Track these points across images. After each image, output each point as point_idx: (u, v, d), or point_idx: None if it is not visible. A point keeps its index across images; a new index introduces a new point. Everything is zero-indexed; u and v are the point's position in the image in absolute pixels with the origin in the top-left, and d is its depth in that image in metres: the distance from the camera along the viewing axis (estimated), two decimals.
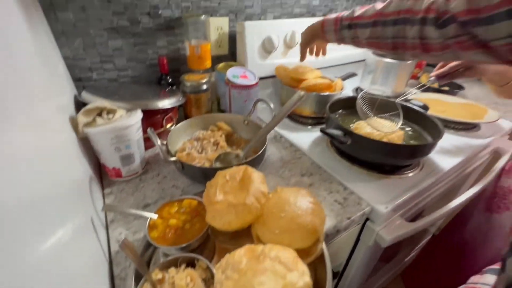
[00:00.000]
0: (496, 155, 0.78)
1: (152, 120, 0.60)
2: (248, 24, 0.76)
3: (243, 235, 0.40)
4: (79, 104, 0.57)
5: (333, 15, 0.57)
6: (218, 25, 0.78)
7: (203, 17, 0.69)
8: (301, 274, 0.28)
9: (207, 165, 0.53)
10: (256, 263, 0.29)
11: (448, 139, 0.70)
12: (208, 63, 0.75)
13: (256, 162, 0.53)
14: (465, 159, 0.66)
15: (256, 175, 0.41)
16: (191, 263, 0.35)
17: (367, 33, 0.50)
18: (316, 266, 0.39)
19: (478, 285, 0.42)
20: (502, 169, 0.71)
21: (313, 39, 0.64)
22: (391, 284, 1.22)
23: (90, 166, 0.49)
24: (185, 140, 0.61)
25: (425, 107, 0.68)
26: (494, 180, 0.71)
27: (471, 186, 0.67)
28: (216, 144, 0.59)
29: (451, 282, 0.80)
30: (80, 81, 0.67)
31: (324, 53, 0.71)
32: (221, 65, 0.77)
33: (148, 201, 0.49)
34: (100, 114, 0.48)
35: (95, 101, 0.49)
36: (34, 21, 0.45)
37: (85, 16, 0.61)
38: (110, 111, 0.49)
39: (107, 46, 0.66)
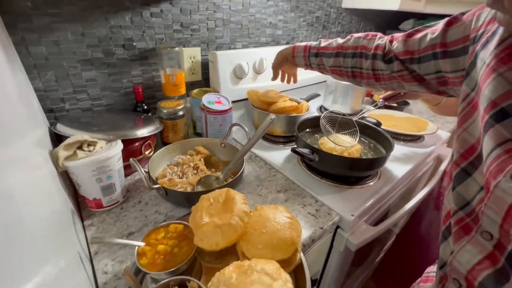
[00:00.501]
0: (439, 160, 0.92)
1: (131, 148, 0.62)
2: (220, 54, 0.82)
3: (228, 254, 0.44)
4: (53, 136, 0.57)
5: (302, 43, 0.65)
6: (191, 54, 0.83)
7: (177, 48, 0.73)
8: (285, 282, 0.32)
9: (189, 189, 0.55)
10: (245, 277, 0.32)
11: (399, 149, 0.82)
12: (183, 90, 0.79)
13: (235, 183, 0.57)
14: (415, 166, 0.77)
15: (238, 197, 0.45)
16: (182, 285, 0.37)
17: (331, 62, 0.59)
18: (296, 275, 0.43)
19: (431, 274, 0.50)
20: (444, 172, 0.83)
21: (283, 62, 0.70)
22: (364, 286, 1.30)
23: (70, 198, 0.49)
24: (165, 166, 0.63)
25: (378, 124, 0.79)
26: (438, 182, 0.83)
27: (421, 189, 0.78)
28: (196, 168, 0.62)
29: (414, 277, 0.89)
30: (51, 112, 0.66)
31: (295, 81, 0.78)
32: (195, 91, 0.82)
33: (132, 230, 0.50)
34: (80, 147, 0.49)
35: (74, 134, 0.50)
36: (10, 56, 0.46)
37: (58, 50, 0.61)
38: (91, 144, 0.50)
39: (80, 77, 0.67)
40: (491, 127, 0.29)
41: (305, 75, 1.09)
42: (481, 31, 0.35)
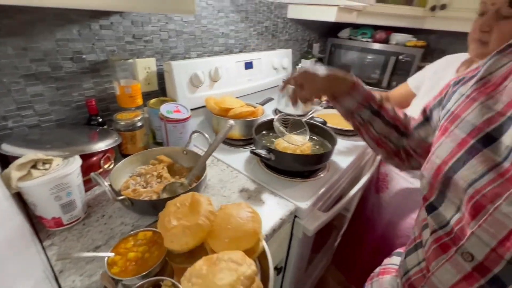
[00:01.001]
0: None
1: (89, 162, 0.61)
2: (175, 64, 0.84)
3: (197, 253, 0.47)
4: None
5: (365, 87, 0.56)
6: (146, 65, 0.84)
7: (130, 60, 0.74)
8: (249, 265, 0.37)
9: (154, 197, 0.57)
10: (214, 267, 0.37)
11: (344, 144, 0.93)
12: (139, 101, 0.79)
13: (199, 187, 0.60)
14: (357, 157, 0.89)
15: (203, 199, 0.49)
16: (157, 286, 0.40)
17: (381, 128, 0.53)
18: (261, 262, 0.49)
19: (388, 266, 0.55)
20: (380, 160, 0.98)
21: (330, 89, 0.55)
22: (327, 271, 1.43)
23: (26, 220, 0.47)
24: (127, 178, 0.63)
25: (324, 122, 0.89)
26: (376, 169, 0.97)
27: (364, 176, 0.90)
28: (160, 176, 0.64)
29: (368, 256, 1.02)
30: None
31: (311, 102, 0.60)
32: (153, 101, 0.82)
33: (99, 243, 0.50)
34: (34, 166, 0.48)
35: (25, 153, 0.48)
36: None
37: None
38: (46, 162, 0.49)
39: (24, 93, 0.63)
40: (478, 152, 0.30)
41: (258, 81, 1.17)
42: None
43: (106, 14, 0.70)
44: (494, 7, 0.57)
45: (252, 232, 0.45)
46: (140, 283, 0.39)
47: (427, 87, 0.83)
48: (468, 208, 0.31)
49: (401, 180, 0.84)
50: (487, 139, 0.30)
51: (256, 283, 0.38)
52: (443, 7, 1.28)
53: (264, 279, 0.44)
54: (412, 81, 0.92)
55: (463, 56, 0.76)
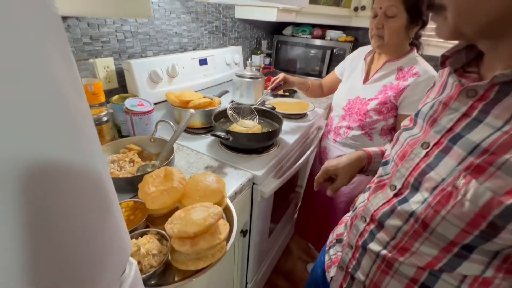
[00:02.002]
0: (319, 129, 1.27)
1: None
2: (134, 62, 0.91)
3: None
4: None
5: (374, 149, 0.65)
6: (105, 65, 0.89)
7: (90, 60, 0.79)
8: (216, 208, 0.50)
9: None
10: (190, 211, 0.49)
11: (290, 125, 1.11)
12: (102, 98, 0.85)
13: (169, 166, 0.71)
14: (301, 135, 1.07)
15: (175, 170, 0.60)
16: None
17: None
18: (227, 216, 0.62)
19: (345, 219, 0.65)
20: (322, 136, 1.18)
21: (355, 172, 0.63)
22: (292, 241, 1.62)
23: None
24: None
25: (273, 108, 1.05)
26: (318, 143, 1.17)
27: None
28: (132, 161, 0.72)
29: (319, 218, 1.22)
30: None
31: None
32: (115, 97, 0.89)
33: None
34: None
35: None
36: None
37: None
38: None
39: None
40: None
41: (213, 76, 1.28)
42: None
43: (63, 17, 0.75)
44: (382, 10, 0.78)
45: (217, 190, 0.58)
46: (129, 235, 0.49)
47: (347, 73, 1.04)
48: (398, 156, 0.45)
49: (336, 150, 1.04)
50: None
51: (222, 221, 0.51)
52: (363, 8, 1.54)
53: (229, 230, 0.57)
54: (337, 69, 1.13)
55: (369, 48, 0.98)
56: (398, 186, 0.43)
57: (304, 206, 1.35)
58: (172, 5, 1.07)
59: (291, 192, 1.36)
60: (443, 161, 0.36)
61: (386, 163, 0.50)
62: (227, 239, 0.51)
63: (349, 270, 0.53)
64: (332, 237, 0.67)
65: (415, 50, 0.85)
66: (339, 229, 0.66)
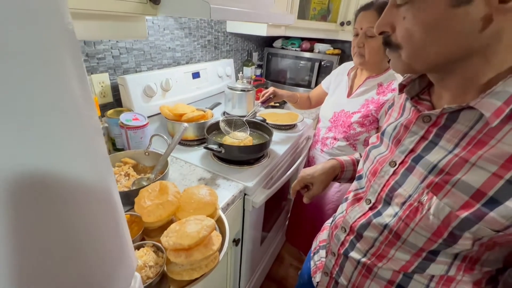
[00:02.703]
0: (308, 139, 1.32)
1: None
2: (128, 78, 0.94)
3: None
4: None
5: (345, 158, 0.70)
6: (100, 80, 0.92)
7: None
8: (209, 220, 0.53)
9: (126, 190, 0.68)
10: (184, 224, 0.52)
11: (281, 136, 1.16)
12: (97, 112, 0.87)
13: (163, 179, 0.74)
14: (291, 145, 1.12)
15: (169, 184, 0.63)
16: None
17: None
18: (220, 227, 0.65)
19: (326, 225, 0.70)
20: (310, 146, 1.23)
21: (330, 180, 0.68)
22: (283, 248, 1.65)
23: None
24: None
25: (264, 120, 1.10)
26: (307, 153, 1.22)
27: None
28: (127, 175, 0.75)
29: (307, 227, 1.26)
30: None
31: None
32: (110, 111, 0.91)
33: None
34: None
35: None
36: None
37: None
38: None
39: None
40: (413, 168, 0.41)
41: (205, 88, 1.32)
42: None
43: None
44: (362, 30, 0.85)
45: (210, 202, 0.62)
46: None
47: (333, 86, 1.10)
48: (370, 172, 0.50)
49: (323, 159, 1.09)
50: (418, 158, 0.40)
51: (215, 233, 0.55)
52: (348, 23, 1.62)
53: (222, 241, 0.60)
54: (324, 83, 1.19)
55: (352, 63, 1.04)
56: (373, 201, 0.48)
57: (294, 214, 1.39)
58: (166, 22, 1.11)
59: (282, 200, 1.40)
60: (409, 179, 0.41)
61: (360, 177, 0.55)
62: (220, 249, 0.55)
63: (333, 275, 0.57)
64: (315, 244, 0.71)
65: None
66: (322, 235, 0.70)
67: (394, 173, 0.44)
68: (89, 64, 0.88)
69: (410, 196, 0.40)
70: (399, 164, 0.44)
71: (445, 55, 0.34)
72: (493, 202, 0.32)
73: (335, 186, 1.08)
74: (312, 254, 0.70)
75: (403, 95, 0.49)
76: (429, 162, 0.38)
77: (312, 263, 0.68)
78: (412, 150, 0.42)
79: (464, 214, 0.34)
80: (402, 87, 0.48)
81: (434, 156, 0.38)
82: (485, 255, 0.38)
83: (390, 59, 0.42)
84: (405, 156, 0.43)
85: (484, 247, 0.36)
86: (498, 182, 0.32)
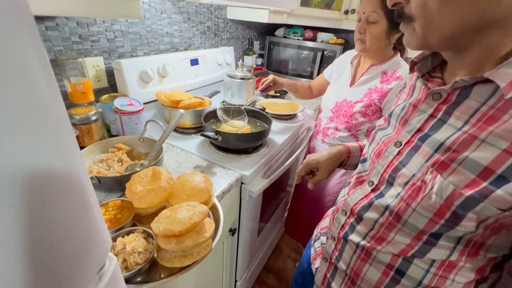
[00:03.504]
0: (308, 130, 1.29)
1: None
2: (124, 62, 0.91)
3: None
4: None
5: (354, 144, 0.68)
6: (94, 64, 0.89)
7: (79, 59, 0.79)
8: (202, 207, 0.51)
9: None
10: (176, 210, 0.50)
11: (281, 125, 1.13)
12: (91, 97, 0.85)
13: (157, 164, 0.71)
14: (291, 135, 1.09)
15: (163, 169, 0.61)
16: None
17: None
18: (214, 215, 0.63)
19: (329, 213, 0.70)
20: (311, 136, 1.20)
21: (335, 165, 0.67)
22: (282, 240, 1.64)
23: None
24: (90, 164, 0.71)
25: (263, 109, 1.07)
26: (307, 143, 1.20)
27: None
28: (120, 160, 0.72)
29: (307, 218, 1.24)
30: None
31: None
32: (104, 96, 0.89)
33: None
34: None
35: None
36: None
37: None
38: None
39: None
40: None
41: (204, 76, 1.29)
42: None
43: (51, 16, 0.74)
44: (364, 15, 0.81)
45: (205, 189, 0.59)
46: (115, 234, 0.50)
47: (335, 75, 1.06)
48: (374, 154, 0.48)
49: (323, 149, 1.06)
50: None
51: (208, 220, 0.53)
52: (353, 11, 1.57)
53: (216, 229, 0.58)
54: (326, 72, 1.15)
55: (355, 51, 1.00)
56: (375, 182, 0.46)
57: (294, 206, 1.37)
58: (163, 5, 1.07)
59: (281, 191, 1.38)
60: (413, 158, 0.39)
61: (364, 160, 0.53)
62: (213, 237, 0.53)
63: (333, 260, 0.55)
64: (317, 231, 0.70)
65: (399, 55, 0.88)
66: (324, 223, 0.69)
67: (398, 153, 0.42)
68: (82, 47, 0.85)
69: (413, 175, 0.38)
70: (405, 144, 0.42)
71: (461, 26, 0.32)
72: (501, 180, 0.30)
73: (335, 178, 1.06)
74: (312, 242, 0.69)
75: (414, 77, 0.47)
76: (435, 140, 0.37)
77: (312, 250, 0.67)
78: (419, 129, 0.40)
79: (469, 192, 0.32)
80: (413, 65, 0.45)
81: (442, 134, 0.36)
82: (491, 239, 0.36)
83: (403, 35, 0.39)
84: (412, 136, 0.41)
85: (490, 230, 0.35)
86: (508, 158, 0.30)
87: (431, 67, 0.44)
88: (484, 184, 0.31)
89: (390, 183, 0.43)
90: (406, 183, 0.40)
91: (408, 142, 0.41)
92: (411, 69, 0.46)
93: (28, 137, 0.17)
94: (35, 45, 0.17)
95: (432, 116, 0.39)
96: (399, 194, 0.41)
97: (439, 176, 0.35)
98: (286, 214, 1.55)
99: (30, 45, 0.17)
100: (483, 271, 0.39)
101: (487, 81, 0.32)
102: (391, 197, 0.42)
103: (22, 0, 0.16)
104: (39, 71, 0.18)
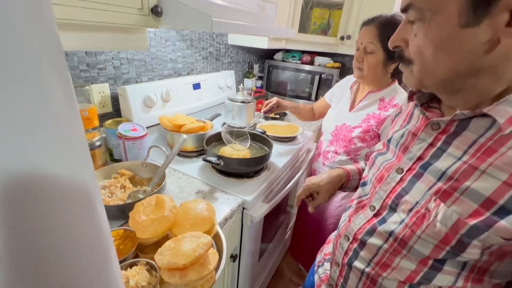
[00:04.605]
0: (308, 151, 1.31)
1: None
2: (129, 88, 0.94)
3: (163, 244, 0.59)
4: None
5: (352, 167, 0.70)
6: (100, 90, 0.92)
7: (86, 87, 0.82)
8: (206, 237, 0.51)
9: (121, 203, 0.66)
10: (180, 241, 0.50)
11: (281, 148, 1.14)
12: (96, 122, 0.86)
13: (160, 191, 0.72)
14: (291, 158, 1.10)
15: (166, 198, 0.61)
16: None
17: None
18: (217, 243, 0.63)
19: (332, 238, 0.70)
20: (312, 158, 1.21)
21: (336, 189, 0.68)
22: (283, 261, 1.60)
23: None
24: None
25: (263, 132, 1.09)
26: (309, 165, 1.21)
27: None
28: (123, 187, 0.73)
29: (309, 241, 1.23)
30: None
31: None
32: (109, 122, 0.90)
33: None
34: None
35: None
36: None
37: None
38: None
39: None
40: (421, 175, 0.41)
41: (206, 99, 1.32)
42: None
43: None
44: (362, 45, 0.85)
45: (208, 218, 0.60)
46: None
47: (336, 99, 1.10)
48: (376, 179, 0.50)
49: (324, 172, 1.07)
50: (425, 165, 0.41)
51: (212, 250, 0.53)
52: (348, 37, 1.64)
53: (219, 259, 0.58)
54: (327, 95, 1.19)
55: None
56: (377, 207, 0.47)
57: (297, 229, 1.36)
58: (167, 34, 1.12)
59: (281, 213, 1.37)
60: (416, 186, 0.41)
61: (364, 184, 0.55)
62: (216, 268, 0.52)
63: (338, 287, 0.55)
64: (320, 257, 0.69)
65: (396, 82, 0.92)
66: (327, 248, 0.68)
67: (401, 180, 0.44)
68: (90, 74, 0.88)
69: (417, 203, 0.40)
70: (406, 171, 0.43)
71: (454, 72, 0.35)
72: (504, 211, 0.32)
73: (336, 201, 1.06)
74: (316, 268, 0.68)
75: (411, 104, 0.50)
76: (437, 169, 0.38)
77: (316, 276, 0.66)
78: (420, 157, 0.42)
79: (473, 221, 0.33)
80: (411, 95, 0.48)
81: (443, 163, 0.38)
82: (494, 265, 0.37)
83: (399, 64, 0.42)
84: (413, 163, 0.43)
85: (494, 256, 0.36)
86: (509, 190, 0.31)
87: (428, 97, 0.47)
88: (487, 214, 0.33)
89: (393, 209, 0.44)
90: (410, 210, 0.41)
91: (410, 169, 0.43)
92: (410, 98, 0.49)
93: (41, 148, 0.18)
94: (62, 72, 0.19)
95: (431, 145, 0.41)
96: (403, 220, 0.42)
97: (442, 204, 0.36)
98: (287, 236, 1.53)
99: (57, 73, 0.19)
100: None
101: (484, 115, 0.35)
102: (394, 223, 0.43)
103: (55, 33, 0.18)
104: (60, 91, 0.19)
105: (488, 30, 0.30)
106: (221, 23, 0.70)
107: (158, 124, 1.03)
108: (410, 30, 0.37)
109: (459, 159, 0.36)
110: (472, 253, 0.35)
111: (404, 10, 0.36)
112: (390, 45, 0.40)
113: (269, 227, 1.18)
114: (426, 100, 0.47)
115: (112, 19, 0.57)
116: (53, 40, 0.18)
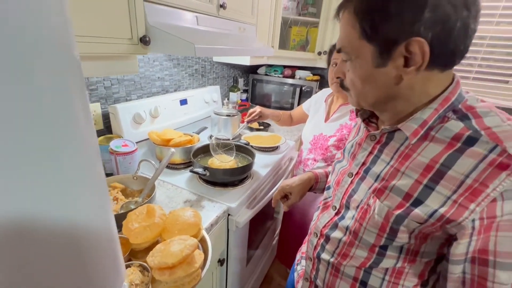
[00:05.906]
0: (290, 160, 1.40)
1: None
2: (119, 106, 1.01)
3: None
4: None
5: (319, 170, 0.80)
6: (92, 109, 0.98)
7: None
8: (192, 240, 0.58)
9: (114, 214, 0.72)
10: (169, 244, 0.56)
11: (264, 158, 1.22)
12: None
13: (151, 202, 0.78)
14: (274, 167, 1.18)
15: (156, 207, 0.68)
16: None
17: None
18: (203, 247, 0.69)
19: (302, 250, 0.78)
20: (293, 166, 1.30)
21: (306, 190, 0.77)
22: (272, 267, 1.66)
23: None
24: None
25: (247, 143, 1.17)
26: (291, 173, 1.29)
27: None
28: (116, 199, 0.79)
29: (294, 244, 1.29)
30: None
31: None
32: (100, 138, 0.96)
33: None
34: None
35: None
36: None
37: None
38: None
39: None
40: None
41: (193, 114, 1.40)
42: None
43: None
44: (338, 60, 0.96)
45: (194, 224, 0.66)
46: None
47: (313, 110, 1.20)
48: (335, 183, 0.58)
49: None
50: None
51: (198, 251, 0.59)
52: (325, 52, 1.78)
53: (204, 259, 0.64)
54: (305, 105, 1.30)
55: (329, 90, 1.15)
56: (337, 207, 0.56)
57: (282, 233, 1.43)
58: (155, 55, 1.21)
59: (268, 219, 1.44)
60: (361, 187, 0.51)
61: (328, 187, 0.64)
62: (202, 267, 0.59)
63: (312, 279, 0.63)
64: (298, 256, 0.77)
65: None
66: (304, 247, 0.76)
67: (351, 182, 0.53)
68: None
69: (362, 200, 0.49)
70: (355, 175, 0.53)
71: (379, 98, 0.45)
72: (417, 202, 0.41)
73: (318, 205, 1.14)
74: (296, 266, 0.76)
75: (360, 120, 0.59)
76: (374, 172, 0.48)
77: (295, 274, 0.73)
78: (363, 163, 0.52)
79: (398, 211, 0.43)
80: (357, 112, 0.58)
81: (378, 167, 0.48)
82: (422, 247, 0.46)
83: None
84: (359, 168, 0.52)
85: (419, 239, 0.44)
86: (419, 186, 0.41)
87: (369, 114, 0.57)
88: (407, 205, 0.42)
89: (347, 207, 0.54)
90: (357, 207, 0.50)
91: (357, 173, 0.53)
92: (356, 115, 0.59)
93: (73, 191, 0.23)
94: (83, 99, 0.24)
95: (371, 153, 0.51)
96: (353, 216, 0.51)
97: (378, 200, 0.46)
98: (274, 242, 1.59)
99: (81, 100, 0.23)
100: (423, 275, 0.48)
101: (399, 129, 0.45)
102: (349, 218, 0.53)
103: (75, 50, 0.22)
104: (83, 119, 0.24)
105: (393, 69, 0.40)
106: (203, 49, 0.78)
107: (148, 139, 1.10)
108: (345, 66, 0.47)
109: (388, 163, 0.46)
110: (402, 237, 0.44)
111: (339, 51, 0.47)
112: (334, 75, 0.50)
113: (256, 233, 1.25)
114: (367, 116, 0.57)
115: (106, 50, 0.65)
116: (74, 58, 0.21)
